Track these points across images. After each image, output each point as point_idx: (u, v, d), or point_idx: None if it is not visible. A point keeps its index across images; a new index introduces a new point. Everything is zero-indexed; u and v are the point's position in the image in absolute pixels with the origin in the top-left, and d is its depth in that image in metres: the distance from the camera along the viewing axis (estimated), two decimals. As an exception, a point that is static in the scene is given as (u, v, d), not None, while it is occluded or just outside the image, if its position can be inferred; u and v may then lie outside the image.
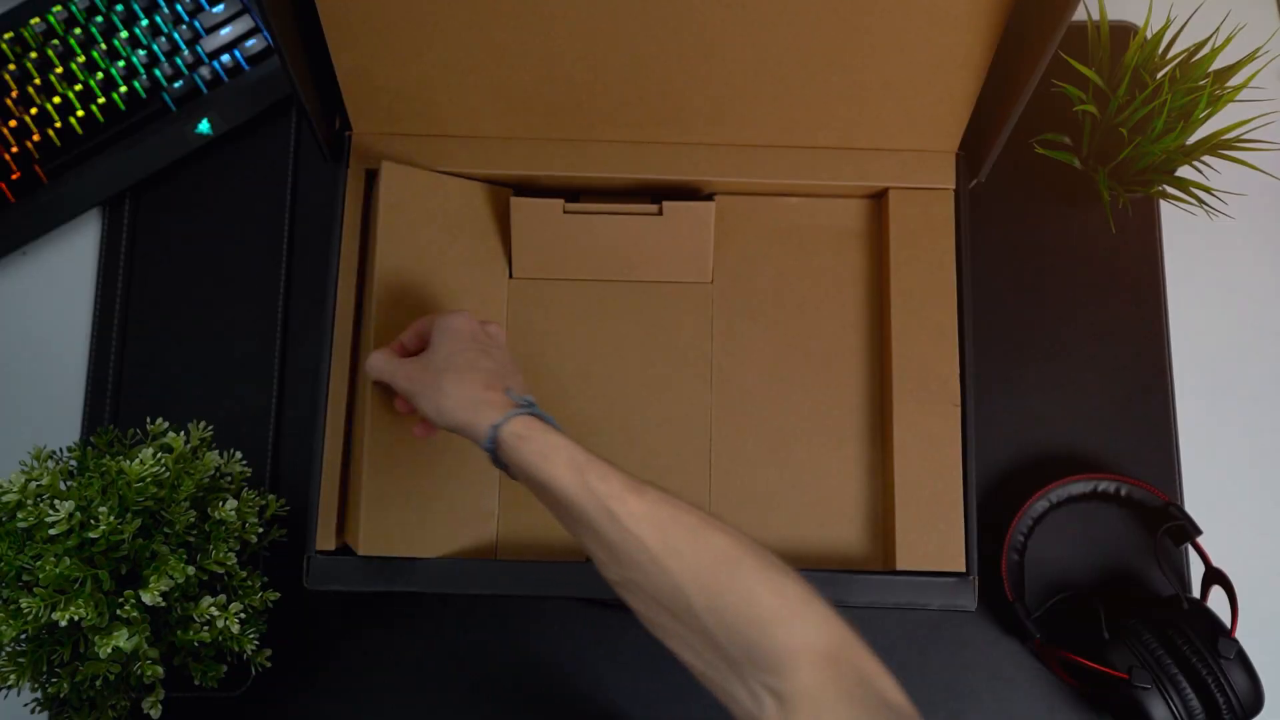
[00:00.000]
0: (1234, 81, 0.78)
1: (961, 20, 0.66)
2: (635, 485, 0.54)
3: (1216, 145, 0.79)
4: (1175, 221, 0.86)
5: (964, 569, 0.72)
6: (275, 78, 0.85)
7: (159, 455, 0.69)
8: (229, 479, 0.75)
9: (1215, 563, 0.76)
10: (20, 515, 0.66)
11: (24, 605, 0.63)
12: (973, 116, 0.74)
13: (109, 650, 0.64)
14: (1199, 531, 0.76)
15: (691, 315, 0.80)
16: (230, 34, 0.85)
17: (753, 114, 0.74)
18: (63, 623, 0.63)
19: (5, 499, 0.67)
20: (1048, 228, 0.86)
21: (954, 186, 0.77)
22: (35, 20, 0.83)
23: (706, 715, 0.78)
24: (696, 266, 0.78)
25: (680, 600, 0.50)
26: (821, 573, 0.71)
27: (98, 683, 0.67)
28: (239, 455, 0.77)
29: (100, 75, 0.83)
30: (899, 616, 0.79)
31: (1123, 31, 0.85)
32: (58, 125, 0.82)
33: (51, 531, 0.65)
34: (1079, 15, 0.67)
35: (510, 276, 0.79)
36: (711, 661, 0.50)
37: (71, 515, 0.66)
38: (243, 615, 0.69)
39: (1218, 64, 0.78)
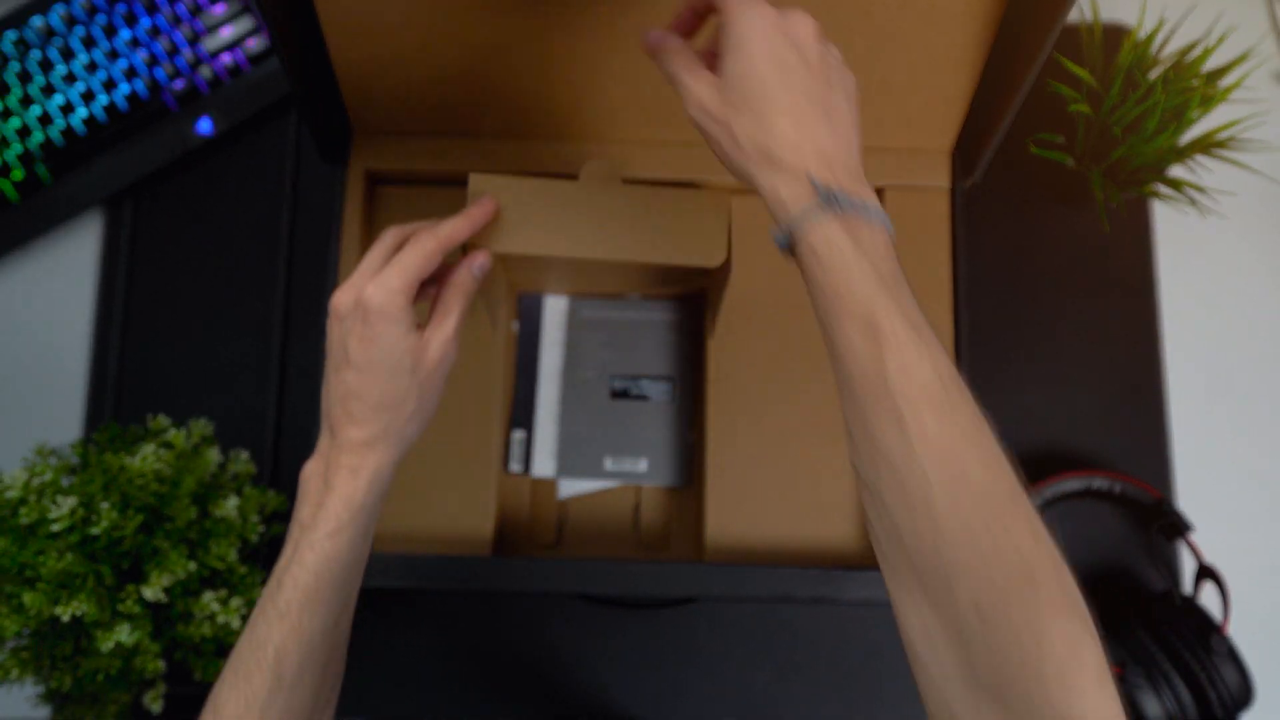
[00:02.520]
0: (1226, 82, 0.79)
1: (956, 20, 0.66)
2: (942, 395, 0.42)
3: (1209, 145, 0.79)
4: (1168, 220, 0.86)
5: (958, 565, 0.72)
6: (275, 78, 0.85)
7: (160, 452, 0.70)
8: (234, 478, 0.76)
9: (1207, 559, 0.76)
10: (23, 511, 0.66)
11: (26, 601, 0.64)
12: (967, 116, 0.74)
13: (111, 645, 0.65)
14: (1191, 528, 0.77)
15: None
16: (231, 34, 0.85)
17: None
18: (65, 618, 0.64)
19: (8, 495, 0.67)
20: (1042, 227, 0.86)
21: (949, 186, 0.77)
22: (37, 20, 0.84)
23: (705, 713, 0.79)
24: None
25: (943, 587, 0.39)
26: (818, 569, 0.71)
27: (99, 677, 0.67)
28: (245, 455, 0.78)
29: (101, 75, 0.83)
30: (892, 613, 0.79)
31: (1116, 32, 0.85)
32: (59, 125, 0.83)
33: (54, 528, 0.65)
34: (1073, 16, 0.67)
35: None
36: (945, 645, 0.40)
37: (73, 511, 0.66)
38: (243, 610, 0.69)
39: (1210, 65, 0.79)
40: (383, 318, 0.52)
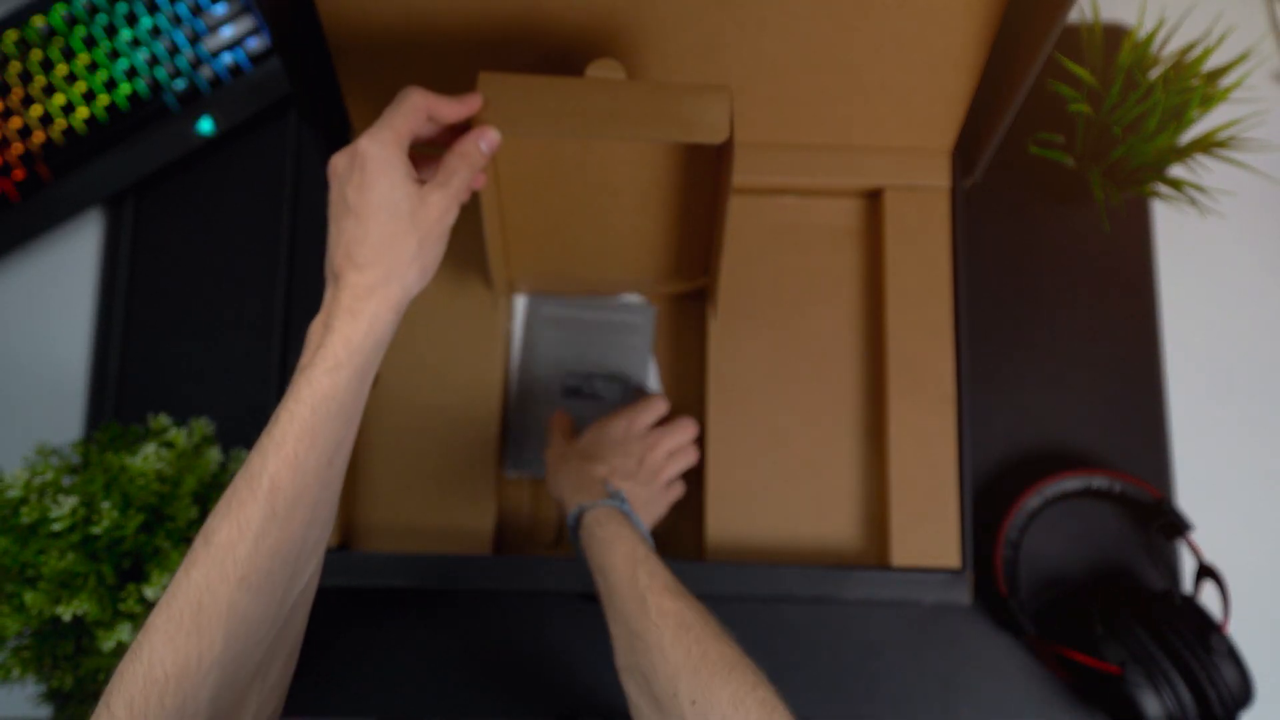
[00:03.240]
0: (1225, 82, 0.79)
1: (957, 20, 0.66)
2: (677, 589, 0.57)
3: (1209, 145, 0.79)
4: (1168, 220, 0.86)
5: (958, 565, 0.72)
6: (276, 77, 0.85)
7: (161, 451, 0.70)
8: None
9: (1207, 558, 0.76)
10: (24, 511, 0.66)
11: (28, 600, 0.64)
12: (967, 116, 0.74)
13: (112, 644, 0.65)
14: (1191, 527, 0.77)
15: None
16: (231, 34, 0.85)
17: (749, 113, 0.74)
18: (66, 617, 0.64)
19: (9, 495, 0.68)
20: (1042, 226, 0.86)
21: (949, 185, 0.77)
22: (38, 20, 0.84)
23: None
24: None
25: (669, 688, 0.53)
26: (817, 569, 0.71)
27: (101, 677, 0.67)
28: (246, 454, 0.78)
29: (102, 75, 0.83)
30: (894, 611, 0.79)
31: (1116, 32, 0.85)
32: (60, 125, 0.83)
33: (55, 527, 0.66)
34: (1073, 15, 0.67)
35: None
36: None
37: (75, 511, 0.66)
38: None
39: (1210, 64, 0.79)
40: (376, 163, 0.53)
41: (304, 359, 0.52)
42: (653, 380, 0.81)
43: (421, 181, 0.56)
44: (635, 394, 0.80)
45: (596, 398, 0.80)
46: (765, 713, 0.50)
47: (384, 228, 0.53)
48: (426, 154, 0.59)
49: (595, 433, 0.74)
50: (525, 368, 0.80)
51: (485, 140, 0.59)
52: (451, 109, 0.58)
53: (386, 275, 0.53)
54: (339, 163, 0.54)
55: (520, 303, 0.81)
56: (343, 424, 0.52)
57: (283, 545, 0.49)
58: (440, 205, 0.55)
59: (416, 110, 0.56)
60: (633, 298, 0.81)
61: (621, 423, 0.74)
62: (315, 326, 0.54)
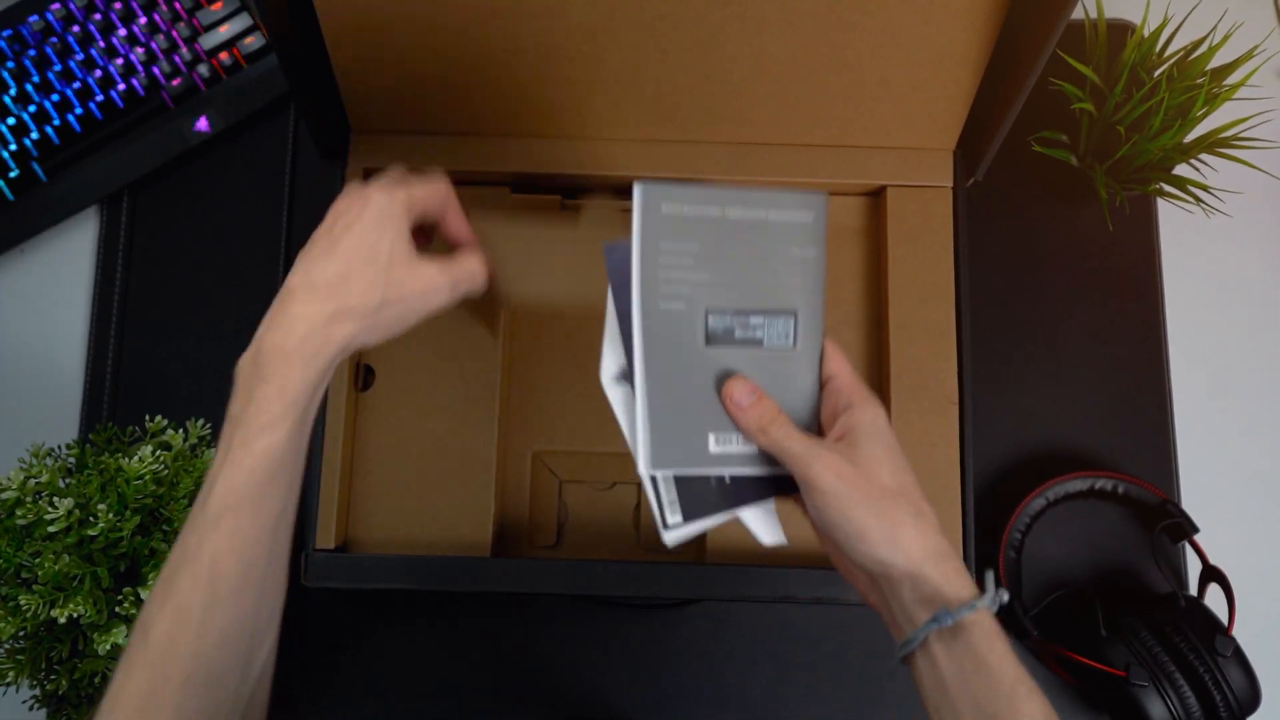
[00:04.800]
0: (1231, 80, 0.78)
1: (959, 18, 0.66)
2: None
3: (1213, 143, 0.79)
4: (1172, 219, 0.86)
5: (961, 566, 0.72)
6: (273, 75, 0.85)
7: (157, 453, 0.70)
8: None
9: (1212, 560, 0.76)
10: (19, 512, 0.66)
11: (23, 602, 0.63)
12: (970, 114, 0.74)
13: (108, 647, 0.65)
14: (1196, 529, 0.76)
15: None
16: (228, 32, 0.85)
17: (750, 112, 0.74)
18: (62, 620, 0.64)
19: (4, 496, 0.67)
20: (1045, 226, 0.86)
21: (951, 184, 0.77)
22: (34, 18, 0.83)
23: (706, 715, 0.78)
24: None
25: None
26: (819, 570, 0.71)
27: (96, 680, 0.67)
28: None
29: (98, 73, 0.83)
30: (896, 614, 0.79)
31: (1120, 30, 0.85)
32: (56, 123, 0.82)
33: (50, 529, 0.65)
34: (1076, 13, 0.67)
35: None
36: None
37: (70, 513, 0.66)
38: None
39: (1215, 62, 0.78)
40: (377, 211, 0.50)
41: (234, 406, 0.48)
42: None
43: (422, 253, 0.52)
44: (808, 336, 0.55)
45: (752, 344, 0.55)
46: None
47: (355, 267, 0.49)
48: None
49: (877, 444, 0.50)
50: (645, 298, 0.53)
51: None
52: (459, 229, 0.56)
53: (336, 313, 0.49)
54: (342, 203, 0.51)
55: (635, 193, 0.53)
56: (284, 485, 0.47)
57: (231, 632, 0.44)
58: (428, 282, 0.51)
59: (439, 194, 0.53)
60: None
61: (877, 411, 0.52)
62: (244, 365, 0.49)
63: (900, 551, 0.48)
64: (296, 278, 0.50)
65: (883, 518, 0.48)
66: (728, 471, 0.54)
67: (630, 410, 0.54)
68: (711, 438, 0.54)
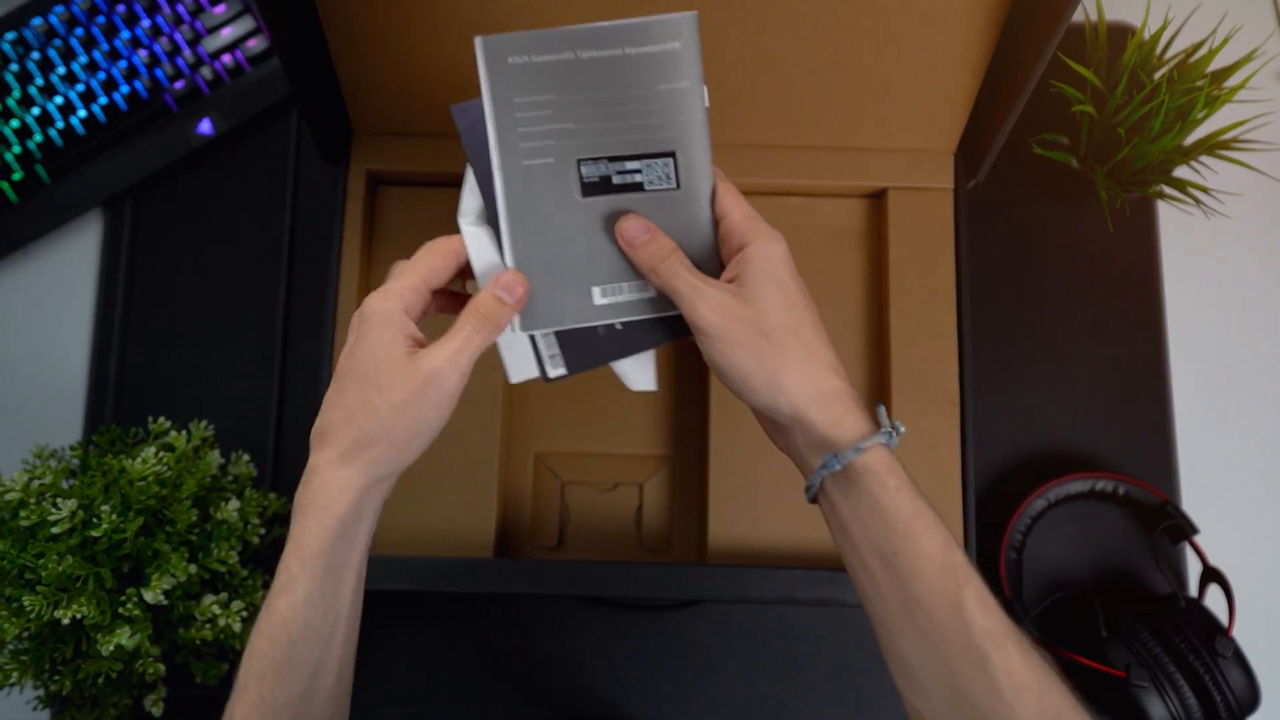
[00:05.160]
0: (1231, 82, 0.78)
1: (960, 20, 0.66)
2: (1019, 636, 0.44)
3: (1214, 146, 0.79)
4: (1173, 221, 0.86)
5: (962, 567, 0.72)
6: (276, 78, 0.85)
7: (161, 454, 0.70)
8: (235, 480, 0.76)
9: (1212, 561, 0.76)
10: (23, 514, 0.66)
11: (26, 603, 0.64)
12: (971, 116, 0.74)
13: (111, 648, 0.65)
14: (1196, 530, 0.76)
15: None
16: (231, 34, 0.85)
17: (752, 114, 0.74)
18: (65, 621, 0.64)
19: (8, 497, 0.67)
20: (1046, 227, 0.86)
21: (953, 186, 0.77)
22: (37, 20, 0.83)
23: (707, 716, 0.78)
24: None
25: None
26: (820, 571, 0.71)
27: (100, 681, 0.67)
28: (246, 457, 0.77)
29: (101, 76, 0.83)
30: (898, 615, 0.79)
31: (1120, 32, 0.85)
32: (59, 126, 0.82)
33: (54, 530, 0.65)
34: (1077, 15, 0.67)
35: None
36: None
37: (74, 514, 0.66)
38: (244, 614, 0.69)
39: (1215, 65, 0.79)
40: (370, 323, 0.48)
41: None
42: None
43: (423, 344, 0.49)
44: (693, 175, 0.53)
45: (632, 189, 0.52)
46: None
47: (354, 397, 0.47)
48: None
49: (769, 283, 0.49)
50: (505, 159, 0.52)
51: (503, 287, 0.50)
52: (460, 288, 0.52)
53: (349, 453, 0.47)
54: (352, 322, 0.49)
55: (477, 49, 0.51)
56: (314, 643, 0.46)
57: None
58: (431, 366, 0.47)
59: (438, 257, 0.49)
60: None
61: (785, 254, 0.50)
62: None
63: (784, 395, 0.47)
64: (315, 425, 0.48)
65: (764, 360, 0.47)
66: (619, 320, 0.53)
67: (492, 254, 0.52)
68: (596, 291, 0.53)
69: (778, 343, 0.47)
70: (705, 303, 0.48)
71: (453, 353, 0.48)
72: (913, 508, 0.46)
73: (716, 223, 0.52)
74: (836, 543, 0.49)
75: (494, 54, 0.50)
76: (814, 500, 0.50)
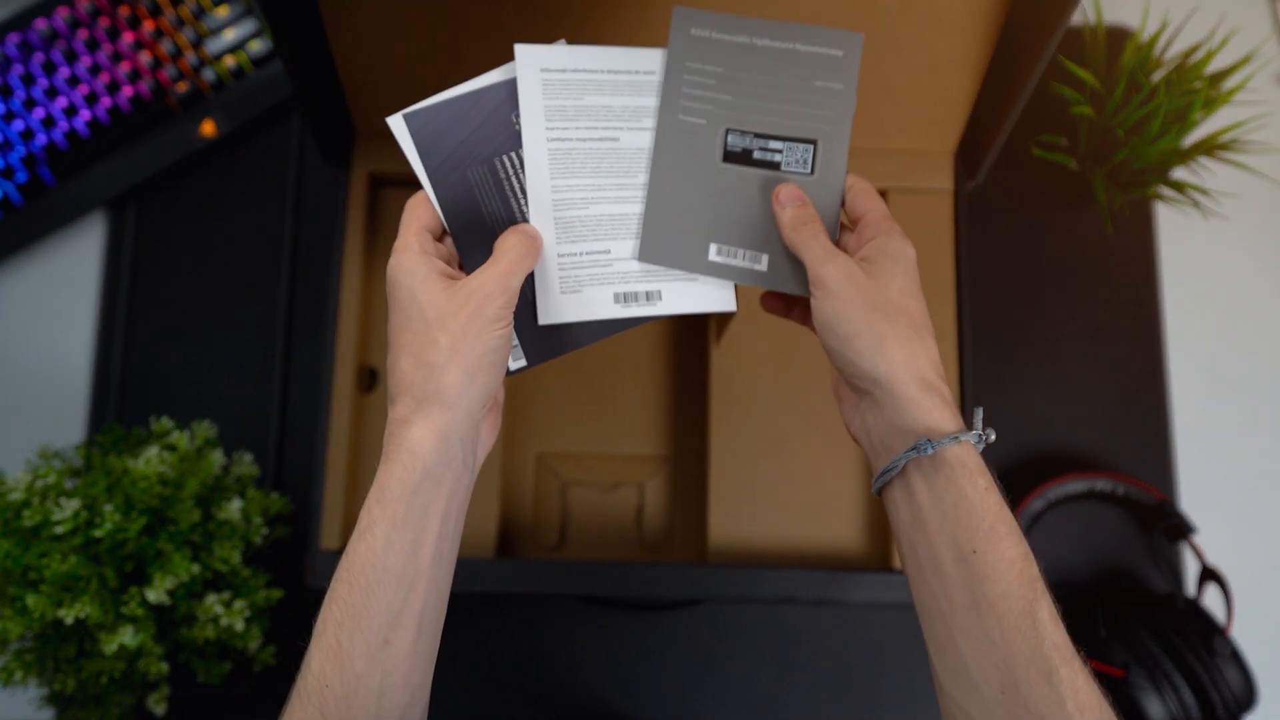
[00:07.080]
0: (1229, 84, 0.79)
1: (959, 23, 0.66)
2: (1077, 657, 0.44)
3: (1212, 147, 0.79)
4: (1171, 222, 0.86)
5: (962, 567, 0.72)
6: (279, 80, 0.85)
7: (163, 454, 0.70)
8: (238, 480, 0.76)
9: (1210, 561, 0.76)
10: (26, 514, 0.66)
11: (30, 603, 0.64)
12: (970, 118, 0.74)
13: (114, 647, 0.65)
14: (1194, 530, 0.77)
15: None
16: (234, 37, 0.85)
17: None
18: (68, 620, 0.64)
19: (11, 498, 0.67)
20: (1045, 229, 0.86)
21: (952, 188, 0.77)
22: (40, 23, 0.84)
23: (708, 715, 0.79)
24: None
25: None
26: (820, 571, 0.71)
27: (103, 679, 0.67)
28: (249, 457, 0.78)
29: (105, 77, 0.84)
30: (896, 614, 0.79)
31: (1119, 35, 0.85)
32: (63, 128, 0.83)
33: (57, 530, 0.66)
34: (1075, 18, 0.67)
35: None
36: None
37: (77, 514, 0.66)
38: (247, 613, 0.69)
39: (1213, 67, 0.79)
40: (400, 273, 0.48)
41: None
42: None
43: (454, 276, 0.50)
44: (828, 167, 0.56)
45: (768, 167, 0.56)
46: None
47: (408, 347, 0.47)
48: None
49: (895, 265, 0.50)
50: (665, 108, 0.56)
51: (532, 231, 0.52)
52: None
53: (419, 400, 0.47)
54: (387, 292, 0.50)
55: (673, 16, 0.57)
56: (393, 590, 0.45)
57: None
58: (469, 290, 0.48)
59: (412, 208, 0.51)
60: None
61: (907, 247, 0.51)
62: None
63: (885, 363, 0.48)
64: (389, 389, 0.49)
65: (874, 326, 0.48)
66: (713, 280, 0.57)
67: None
68: (713, 248, 0.56)
69: (891, 316, 0.48)
70: (834, 263, 0.50)
71: (490, 275, 0.49)
72: (999, 511, 0.46)
73: (856, 219, 0.55)
74: (901, 531, 0.48)
75: (682, 22, 0.56)
76: (883, 487, 0.49)
